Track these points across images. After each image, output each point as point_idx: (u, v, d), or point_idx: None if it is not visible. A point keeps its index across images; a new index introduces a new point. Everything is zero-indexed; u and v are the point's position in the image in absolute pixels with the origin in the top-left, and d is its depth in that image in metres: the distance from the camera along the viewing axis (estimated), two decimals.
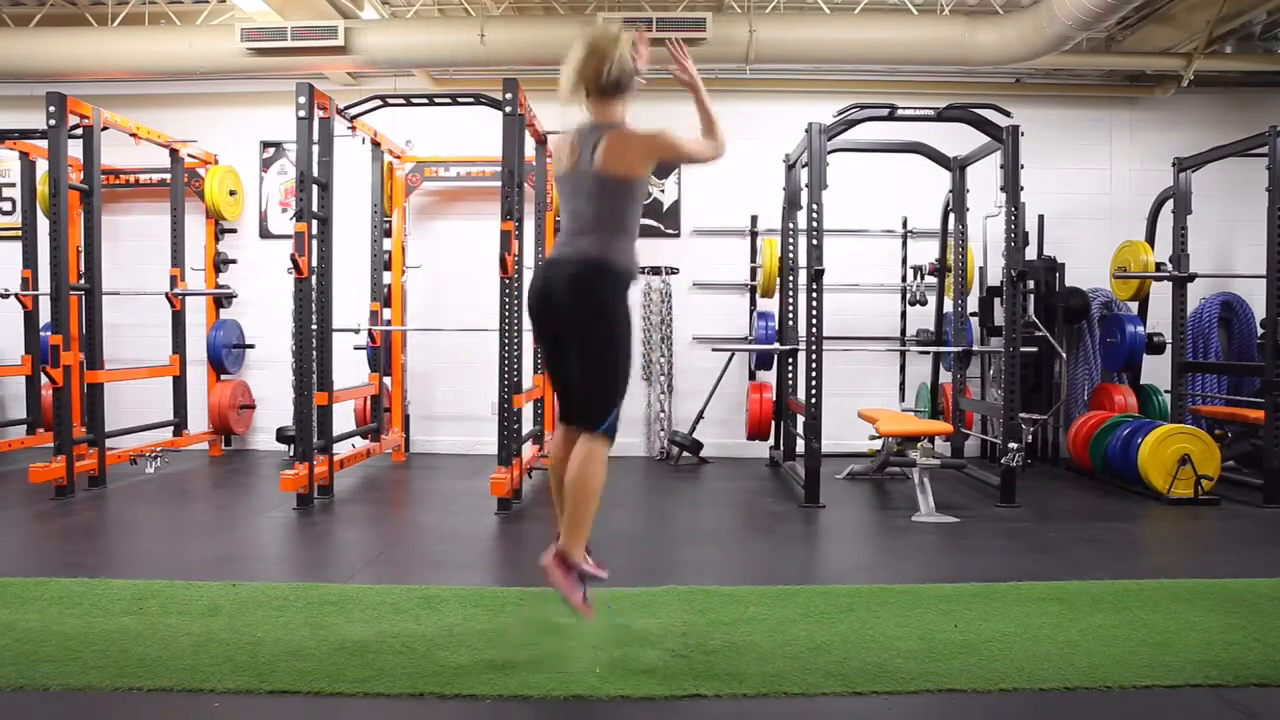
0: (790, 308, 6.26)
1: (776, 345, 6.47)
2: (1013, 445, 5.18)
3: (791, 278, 6.26)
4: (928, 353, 7.04)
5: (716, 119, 2.95)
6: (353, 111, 5.77)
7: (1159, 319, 6.59)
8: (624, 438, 6.92)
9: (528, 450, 5.62)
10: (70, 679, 2.53)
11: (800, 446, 5.62)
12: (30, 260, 6.76)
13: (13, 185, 7.28)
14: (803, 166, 5.54)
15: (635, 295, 2.85)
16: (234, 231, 7.26)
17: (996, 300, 6.70)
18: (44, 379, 6.40)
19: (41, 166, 6.44)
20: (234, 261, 7.18)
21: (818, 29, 6.35)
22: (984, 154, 5.92)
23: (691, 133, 2.84)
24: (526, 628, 2.94)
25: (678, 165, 2.79)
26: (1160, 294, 6.52)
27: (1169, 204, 6.26)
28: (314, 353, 5.23)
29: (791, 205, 6.21)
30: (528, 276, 6.06)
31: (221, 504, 5.55)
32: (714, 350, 6.80)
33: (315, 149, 5.17)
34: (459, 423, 7.23)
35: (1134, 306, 6.83)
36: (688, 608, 3.21)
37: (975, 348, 6.65)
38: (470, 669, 2.61)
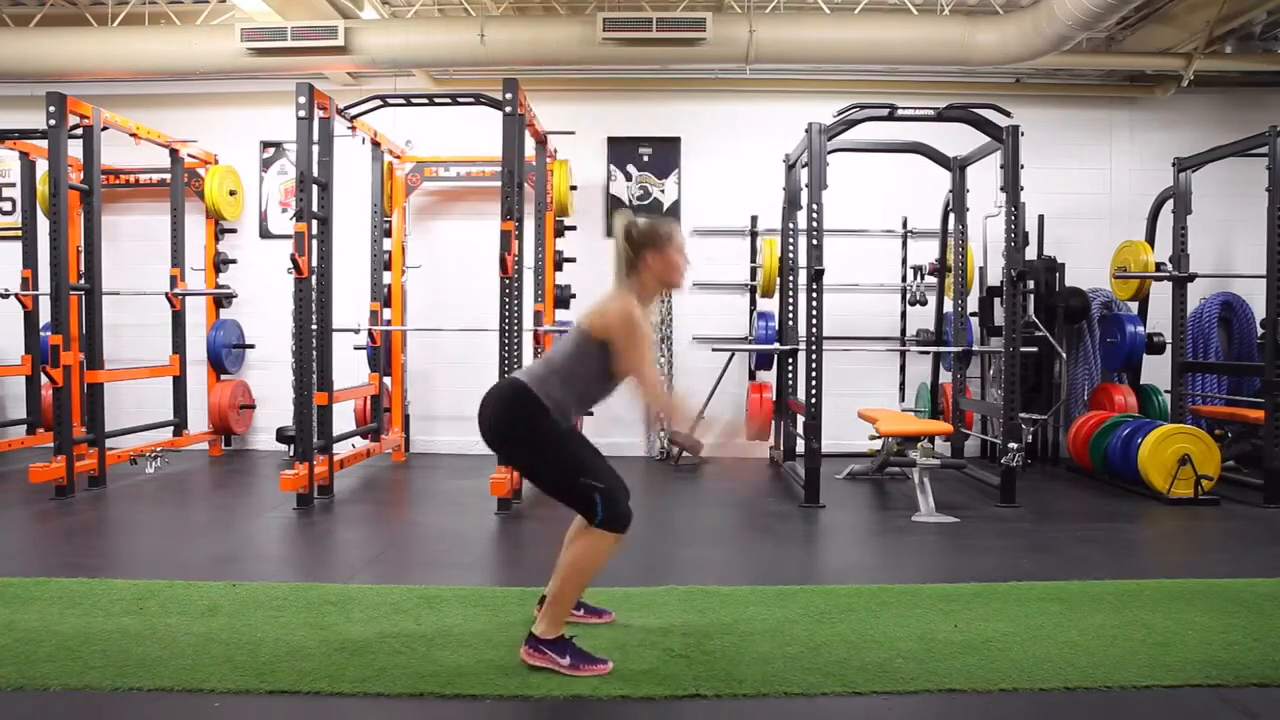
0: (790, 308, 6.26)
1: (776, 345, 6.47)
2: (1013, 445, 5.18)
3: (791, 278, 6.26)
4: (928, 353, 7.04)
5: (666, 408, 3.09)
6: (353, 111, 5.77)
7: (1159, 319, 6.59)
8: (624, 438, 6.95)
9: None
10: (70, 679, 2.53)
11: (800, 446, 5.61)
12: (30, 260, 6.76)
13: (13, 185, 7.28)
14: (803, 166, 5.54)
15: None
16: (234, 231, 7.26)
17: (996, 300, 6.70)
18: (44, 379, 6.41)
19: (41, 166, 6.45)
20: (234, 261, 7.18)
21: (818, 29, 6.35)
22: (984, 154, 5.92)
23: (650, 373, 2.70)
24: None
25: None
26: (1160, 294, 6.52)
27: (1169, 204, 6.26)
28: (314, 353, 5.23)
29: (791, 205, 6.21)
30: (528, 277, 6.13)
31: (221, 504, 5.55)
32: (714, 350, 6.81)
33: (315, 149, 5.17)
34: (459, 423, 7.22)
35: (1134, 306, 6.83)
36: (688, 608, 3.21)
37: (975, 348, 6.65)
38: (470, 669, 2.61)
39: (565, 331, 2.80)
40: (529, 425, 2.66)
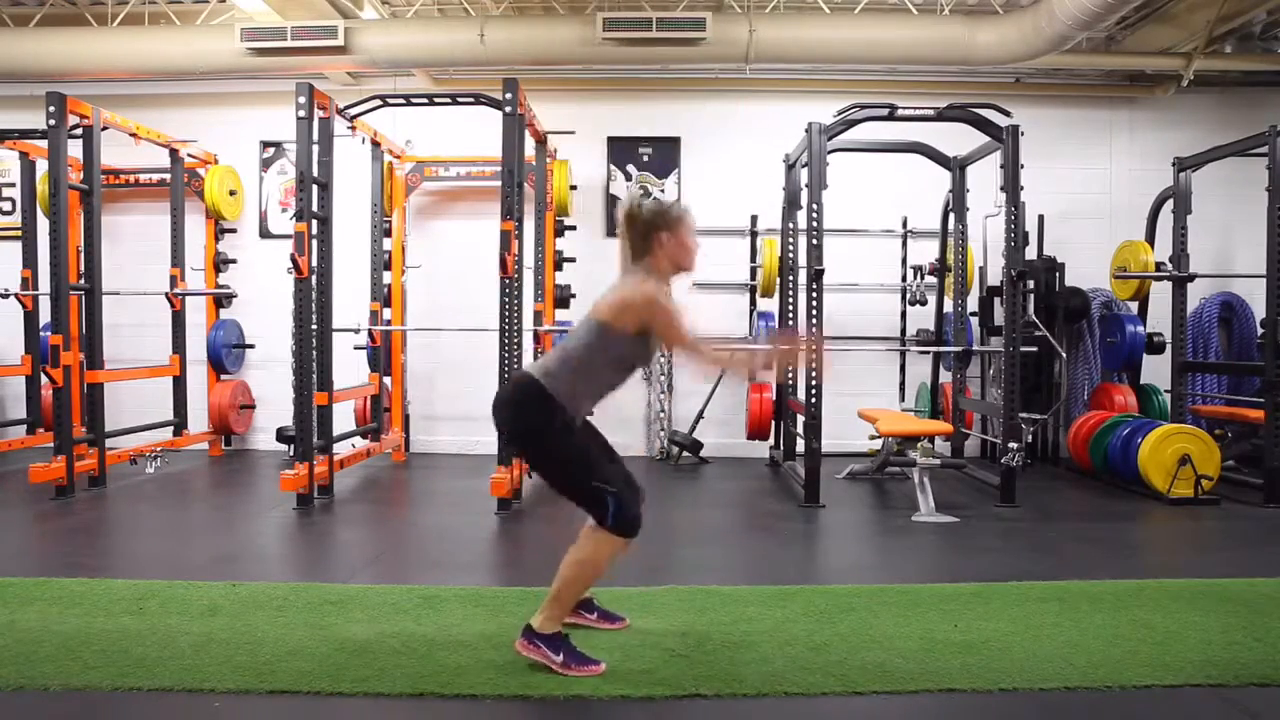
0: (790, 308, 6.26)
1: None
2: (1013, 445, 5.18)
3: (791, 278, 6.26)
4: (928, 353, 7.04)
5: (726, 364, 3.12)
6: (353, 111, 5.77)
7: (1159, 319, 6.58)
8: (624, 438, 6.96)
9: None
10: (70, 679, 2.53)
11: (800, 446, 5.61)
12: (30, 260, 6.76)
13: (13, 185, 7.28)
14: (803, 166, 5.54)
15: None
16: (234, 231, 7.26)
17: (996, 300, 6.70)
18: (44, 379, 6.40)
19: (41, 166, 6.45)
20: (234, 261, 7.18)
21: (818, 29, 6.35)
22: (984, 154, 5.92)
23: (696, 343, 2.77)
24: None
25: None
26: (1160, 294, 6.52)
27: (1169, 204, 6.26)
28: (314, 353, 5.23)
29: (791, 205, 6.21)
30: (528, 277, 6.13)
31: (221, 504, 5.55)
32: (714, 350, 6.79)
33: (315, 149, 5.17)
34: (459, 423, 7.23)
35: (1134, 306, 6.83)
36: (688, 608, 3.21)
37: (975, 348, 6.65)
38: (470, 669, 2.61)
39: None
40: (542, 423, 2.63)
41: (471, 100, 5.52)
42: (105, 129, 5.69)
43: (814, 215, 5.26)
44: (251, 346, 7.24)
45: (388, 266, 6.84)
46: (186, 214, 6.81)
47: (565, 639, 2.64)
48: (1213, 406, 6.76)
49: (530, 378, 2.69)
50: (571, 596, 2.67)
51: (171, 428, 6.72)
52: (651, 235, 2.74)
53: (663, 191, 7.34)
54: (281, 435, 6.73)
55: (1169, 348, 6.30)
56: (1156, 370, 6.69)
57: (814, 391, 5.20)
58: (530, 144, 5.92)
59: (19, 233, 6.87)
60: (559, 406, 2.62)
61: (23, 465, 5.58)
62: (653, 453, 7.24)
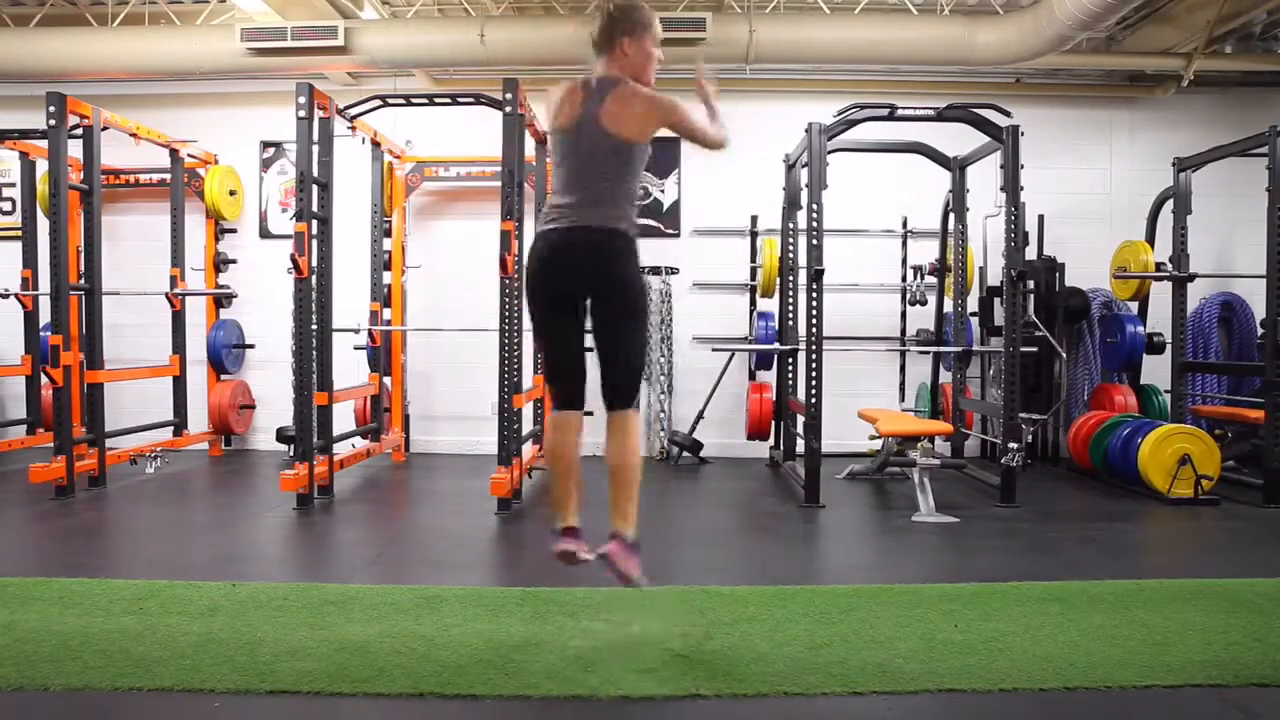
0: (790, 308, 6.26)
1: (776, 345, 6.47)
2: (1013, 445, 5.18)
3: (791, 278, 6.26)
4: (928, 353, 7.04)
5: (720, 118, 2.93)
6: (353, 111, 5.77)
7: (1159, 319, 6.58)
8: None
9: (528, 450, 5.62)
10: (70, 679, 2.53)
11: (800, 446, 5.61)
12: (30, 260, 6.76)
13: (13, 185, 7.28)
14: (803, 166, 5.54)
15: None
16: (234, 231, 7.27)
17: (996, 300, 6.70)
18: (44, 379, 6.40)
19: (41, 166, 6.44)
20: (234, 261, 7.18)
21: (818, 29, 6.35)
22: (984, 154, 5.92)
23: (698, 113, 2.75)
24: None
25: (679, 135, 2.65)
26: (1160, 294, 6.52)
27: (1169, 204, 6.26)
28: (314, 353, 5.23)
29: (791, 205, 6.21)
30: None
31: (221, 504, 5.55)
32: (714, 350, 6.80)
33: (315, 149, 5.17)
34: (459, 423, 7.23)
35: (1134, 306, 6.83)
36: (688, 608, 3.20)
37: (975, 348, 6.65)
38: (470, 669, 2.61)
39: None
40: (643, 285, 2.66)
41: (471, 100, 5.52)
42: (105, 129, 5.69)
43: (814, 215, 5.26)
44: (251, 346, 7.24)
45: (388, 266, 6.84)
46: (186, 214, 6.81)
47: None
48: (1213, 406, 6.76)
49: (623, 231, 2.64)
50: (637, 486, 2.69)
51: (171, 428, 6.72)
52: (615, 39, 2.64)
53: (663, 191, 7.33)
54: (281, 435, 6.73)
55: (1169, 348, 6.30)
56: (1156, 370, 6.69)
57: (814, 392, 5.20)
58: (530, 144, 5.92)
59: (19, 233, 6.87)
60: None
61: (23, 465, 5.58)
62: (653, 453, 7.24)
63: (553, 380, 2.87)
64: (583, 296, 2.74)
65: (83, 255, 5.66)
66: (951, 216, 6.60)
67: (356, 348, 6.66)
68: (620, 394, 2.73)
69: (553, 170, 2.75)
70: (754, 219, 7.16)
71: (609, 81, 2.70)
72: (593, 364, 2.85)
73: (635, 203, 2.70)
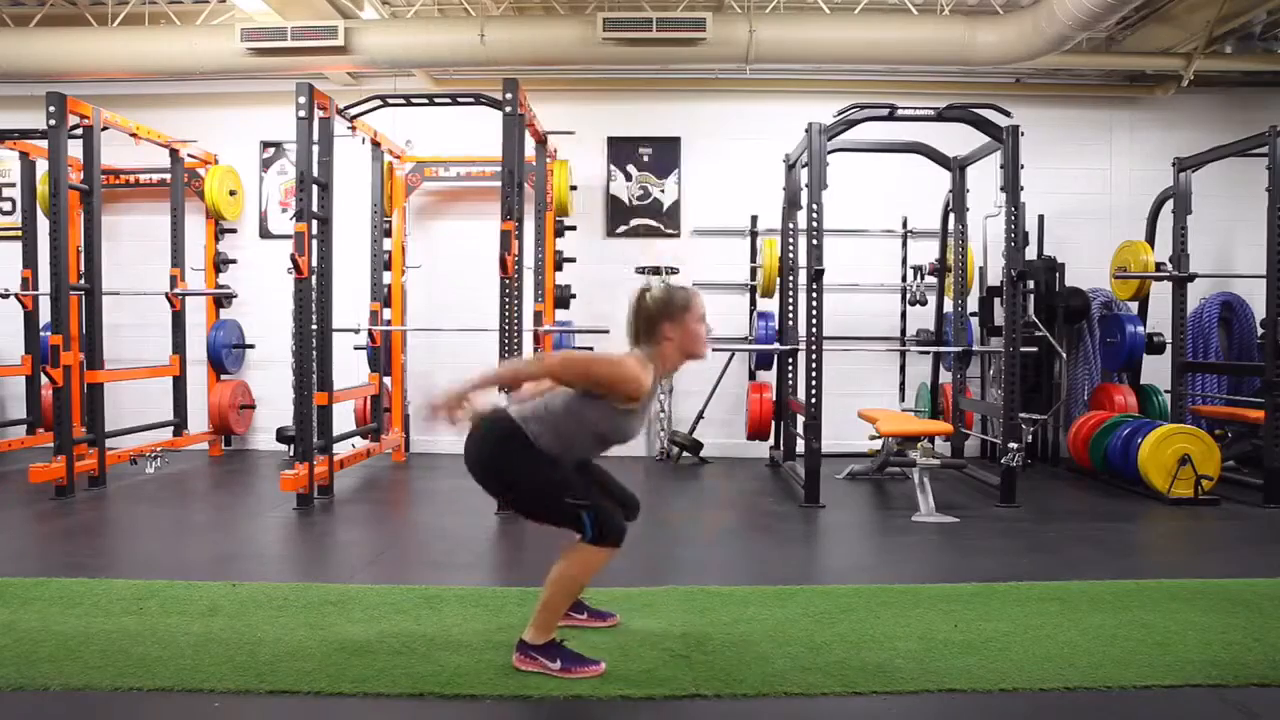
0: (790, 308, 6.26)
1: (776, 345, 6.47)
2: (1013, 445, 5.18)
3: (791, 278, 6.26)
4: (928, 353, 7.04)
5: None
6: (353, 111, 5.77)
7: (1159, 319, 6.58)
8: None
9: None
10: (70, 679, 2.53)
11: (800, 446, 5.61)
12: (30, 260, 6.76)
13: (13, 185, 7.28)
14: (803, 166, 5.54)
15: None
16: (234, 231, 7.26)
17: (996, 300, 6.70)
18: (44, 379, 6.40)
19: (41, 166, 6.44)
20: (234, 261, 7.18)
21: (818, 29, 6.35)
22: (984, 154, 5.92)
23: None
24: None
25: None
26: (1160, 294, 6.52)
27: (1169, 204, 6.26)
28: (314, 353, 5.23)
29: (791, 205, 6.21)
30: (528, 277, 6.12)
31: (221, 504, 5.55)
32: (714, 350, 6.75)
33: (315, 149, 5.17)
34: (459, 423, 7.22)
35: (1134, 306, 6.83)
36: (688, 608, 3.21)
37: (975, 348, 6.65)
38: (470, 669, 2.61)
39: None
40: (504, 451, 2.63)
41: (471, 100, 5.52)
42: (105, 129, 5.69)
43: (814, 215, 5.26)
44: (251, 346, 7.24)
45: (388, 266, 6.83)
46: (186, 214, 6.81)
47: (560, 645, 2.63)
48: (1213, 406, 6.76)
49: (501, 412, 2.68)
50: (561, 606, 2.66)
51: (171, 428, 6.72)
52: (657, 327, 2.66)
53: (663, 192, 7.33)
54: (281, 435, 6.73)
55: (1169, 348, 6.30)
56: (1156, 370, 6.69)
57: (814, 392, 5.20)
58: (530, 144, 5.92)
59: (19, 233, 6.87)
60: (526, 438, 2.60)
61: (23, 465, 5.58)
62: (653, 453, 7.24)
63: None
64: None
65: (83, 255, 5.66)
66: (951, 216, 6.60)
67: (356, 348, 6.66)
68: (569, 529, 2.67)
69: (628, 420, 2.66)
70: (754, 219, 7.16)
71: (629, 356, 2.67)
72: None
73: (554, 432, 2.64)
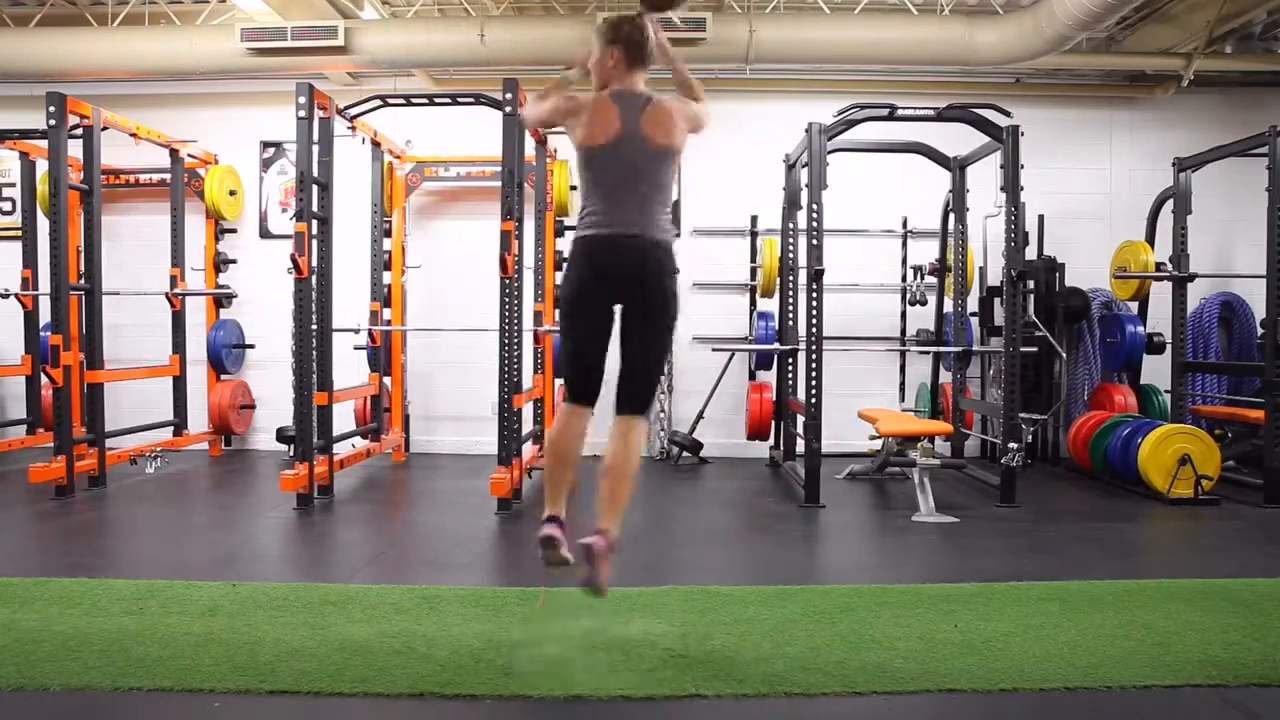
0: (790, 308, 6.26)
1: (776, 345, 6.47)
2: (1013, 445, 5.18)
3: (791, 278, 6.26)
4: (928, 353, 7.04)
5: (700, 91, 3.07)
6: (353, 111, 5.77)
7: (1159, 319, 6.58)
8: None
9: (528, 450, 5.62)
10: (70, 679, 2.53)
11: (800, 446, 5.61)
12: (30, 260, 6.76)
13: (13, 185, 7.28)
14: (803, 166, 5.54)
15: None
16: (234, 231, 7.26)
17: (996, 300, 6.70)
18: (44, 379, 6.40)
19: (41, 166, 6.44)
20: (234, 261, 7.18)
21: (818, 29, 6.35)
22: (984, 154, 5.93)
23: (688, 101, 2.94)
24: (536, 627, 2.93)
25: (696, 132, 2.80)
26: (1160, 294, 6.52)
27: (1169, 204, 6.26)
28: (314, 353, 5.23)
29: (791, 205, 6.21)
30: (528, 277, 6.13)
31: (221, 504, 5.55)
32: (714, 350, 6.80)
33: (315, 149, 5.17)
34: (459, 423, 7.23)
35: (1134, 306, 6.83)
36: (688, 608, 3.21)
37: (975, 348, 6.65)
38: (470, 669, 2.61)
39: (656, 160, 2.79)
40: (679, 300, 2.80)
41: (471, 100, 5.52)
42: (105, 129, 5.69)
43: (814, 215, 5.26)
44: (251, 346, 7.24)
45: (388, 266, 6.84)
46: (186, 214, 6.81)
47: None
48: (1213, 406, 6.76)
49: (669, 244, 2.81)
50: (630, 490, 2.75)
51: (171, 428, 6.72)
52: (646, 55, 2.91)
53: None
54: (281, 435, 6.73)
55: (1169, 348, 6.30)
56: (1156, 370, 6.69)
57: (814, 392, 5.20)
58: (530, 144, 5.92)
59: (19, 233, 6.87)
60: None
61: (23, 465, 5.58)
62: (653, 453, 7.24)
63: (575, 377, 2.90)
64: (620, 301, 2.81)
65: (83, 255, 5.66)
66: (951, 216, 6.60)
67: (356, 348, 6.66)
68: (638, 400, 2.81)
69: (588, 180, 2.83)
70: (754, 219, 7.16)
71: (643, 96, 2.85)
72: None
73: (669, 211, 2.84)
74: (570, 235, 2.79)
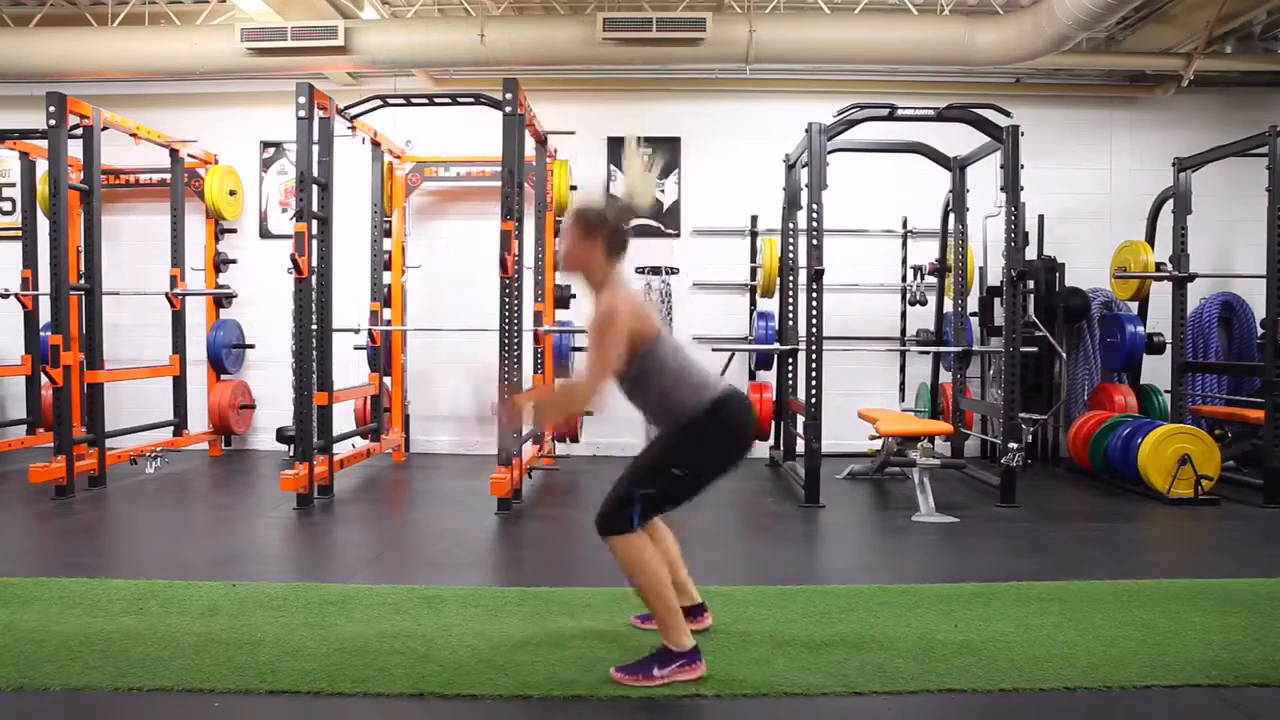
0: (790, 308, 6.26)
1: (776, 345, 6.47)
2: (1013, 445, 5.18)
3: (791, 278, 6.26)
4: (928, 353, 7.04)
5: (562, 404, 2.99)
6: (353, 111, 5.77)
7: (1159, 319, 6.59)
8: (624, 438, 6.92)
9: (528, 450, 5.62)
10: (70, 679, 2.53)
11: (800, 446, 5.61)
12: (30, 260, 6.76)
13: (13, 185, 7.28)
14: (803, 166, 5.54)
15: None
16: (234, 231, 7.26)
17: (996, 300, 6.70)
18: (44, 379, 6.40)
19: (41, 166, 6.44)
20: (234, 261, 7.18)
21: (818, 29, 6.35)
22: (984, 154, 5.92)
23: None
24: None
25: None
26: (1160, 294, 6.52)
27: (1169, 204, 6.26)
28: (314, 353, 5.23)
29: (791, 205, 6.21)
30: (528, 277, 6.13)
31: (221, 504, 5.55)
32: (714, 350, 6.76)
33: (315, 149, 5.17)
34: (459, 423, 7.23)
35: (1134, 306, 6.83)
36: None
37: (975, 348, 6.65)
38: (470, 669, 2.61)
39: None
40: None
41: (471, 100, 5.52)
42: (105, 129, 5.69)
43: (814, 215, 5.26)
44: (251, 346, 7.24)
45: (388, 266, 6.84)
46: (186, 214, 6.81)
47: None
48: (1213, 406, 6.76)
49: None
50: (654, 605, 2.60)
51: (171, 428, 6.72)
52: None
53: (663, 192, 7.32)
54: (281, 435, 6.72)
55: (1169, 348, 6.30)
56: (1156, 370, 6.69)
57: (814, 391, 5.20)
58: (530, 144, 5.92)
59: (19, 233, 6.87)
60: None
61: (23, 465, 5.58)
62: None
63: (670, 507, 2.81)
64: None
65: (83, 255, 5.66)
66: (951, 216, 6.60)
67: (356, 348, 6.67)
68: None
69: (670, 357, 2.76)
70: (754, 219, 7.16)
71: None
72: None
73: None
74: (695, 400, 2.66)
